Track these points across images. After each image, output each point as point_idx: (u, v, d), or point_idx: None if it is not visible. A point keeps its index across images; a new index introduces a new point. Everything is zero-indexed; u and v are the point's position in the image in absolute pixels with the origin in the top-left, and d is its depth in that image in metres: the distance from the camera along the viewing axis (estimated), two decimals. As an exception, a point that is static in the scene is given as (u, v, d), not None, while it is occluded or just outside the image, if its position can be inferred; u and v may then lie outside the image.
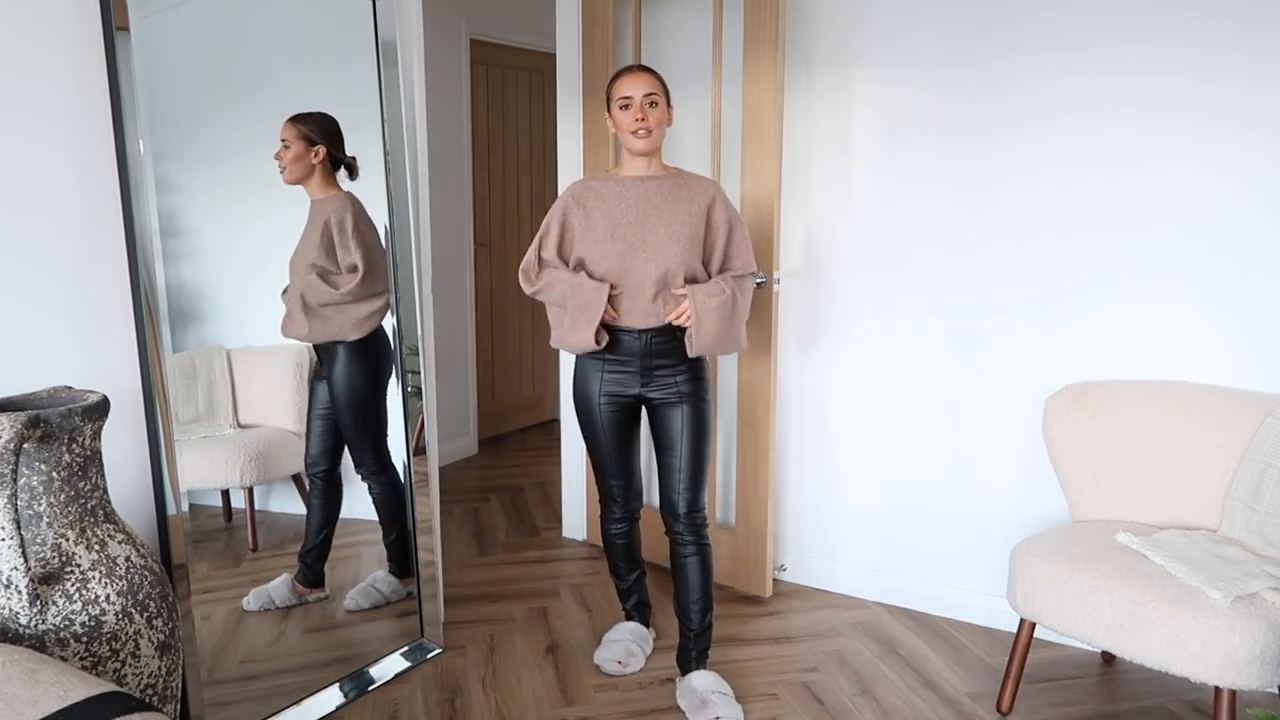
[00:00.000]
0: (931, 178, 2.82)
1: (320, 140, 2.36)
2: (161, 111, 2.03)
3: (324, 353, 2.46)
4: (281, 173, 2.32)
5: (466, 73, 4.56)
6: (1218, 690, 1.95)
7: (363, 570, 2.62)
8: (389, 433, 2.62)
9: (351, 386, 2.49)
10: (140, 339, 1.99)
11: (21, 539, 1.50)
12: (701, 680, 2.38)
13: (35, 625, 1.51)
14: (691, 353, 2.31)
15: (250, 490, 2.34)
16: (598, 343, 2.30)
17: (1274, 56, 2.33)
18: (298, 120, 2.33)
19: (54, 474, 1.59)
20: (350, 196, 2.44)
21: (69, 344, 1.96)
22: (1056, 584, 2.15)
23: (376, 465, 2.59)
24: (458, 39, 4.49)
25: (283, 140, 2.31)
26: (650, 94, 2.27)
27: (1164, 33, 2.45)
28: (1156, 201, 2.51)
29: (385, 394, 2.59)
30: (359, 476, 2.56)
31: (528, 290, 2.40)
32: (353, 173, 2.44)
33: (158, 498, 2.03)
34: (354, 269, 2.43)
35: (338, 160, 2.41)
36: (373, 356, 2.54)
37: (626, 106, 2.28)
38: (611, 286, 2.28)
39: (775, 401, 2.96)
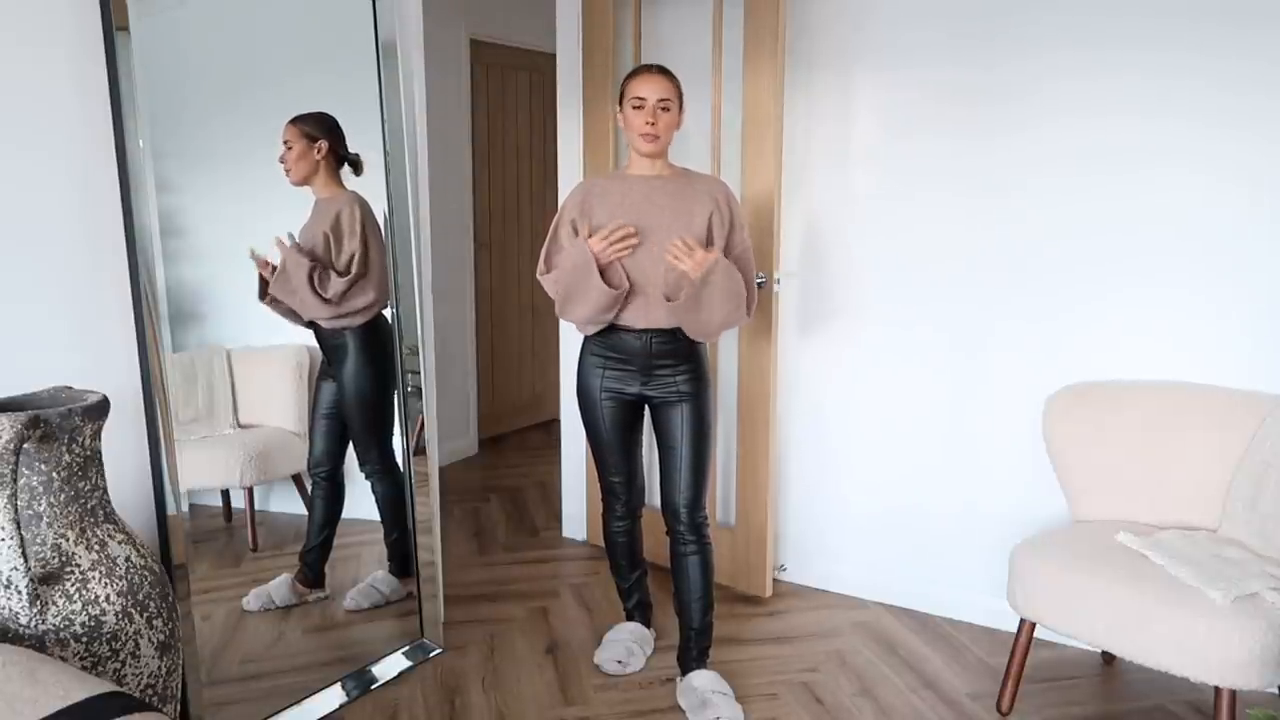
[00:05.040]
0: (932, 179, 2.82)
1: (321, 135, 2.35)
2: (161, 111, 2.03)
3: (332, 352, 2.46)
4: (287, 174, 2.33)
5: (466, 73, 4.56)
6: (1218, 690, 1.95)
7: (363, 570, 2.62)
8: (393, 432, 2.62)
9: (361, 385, 2.49)
10: (140, 339, 1.99)
11: (21, 539, 1.50)
12: (702, 680, 2.38)
13: (35, 625, 1.51)
14: (680, 312, 2.24)
15: (250, 490, 2.34)
16: (612, 297, 2.22)
17: (1275, 61, 2.34)
18: (297, 120, 2.33)
19: (54, 474, 1.59)
20: (358, 195, 2.44)
21: (69, 344, 1.96)
22: (1056, 584, 2.15)
23: (382, 464, 2.59)
24: (458, 39, 4.48)
25: (285, 142, 2.32)
26: (664, 99, 2.25)
27: (1165, 37, 2.45)
28: (1157, 204, 2.51)
29: (394, 393, 2.60)
30: (363, 475, 2.56)
31: (551, 291, 2.33)
32: (357, 169, 2.44)
33: (158, 498, 2.03)
34: (349, 268, 2.42)
35: (342, 158, 2.41)
36: (383, 355, 2.54)
37: (639, 107, 2.26)
38: (613, 285, 2.26)
39: (775, 401, 2.96)
